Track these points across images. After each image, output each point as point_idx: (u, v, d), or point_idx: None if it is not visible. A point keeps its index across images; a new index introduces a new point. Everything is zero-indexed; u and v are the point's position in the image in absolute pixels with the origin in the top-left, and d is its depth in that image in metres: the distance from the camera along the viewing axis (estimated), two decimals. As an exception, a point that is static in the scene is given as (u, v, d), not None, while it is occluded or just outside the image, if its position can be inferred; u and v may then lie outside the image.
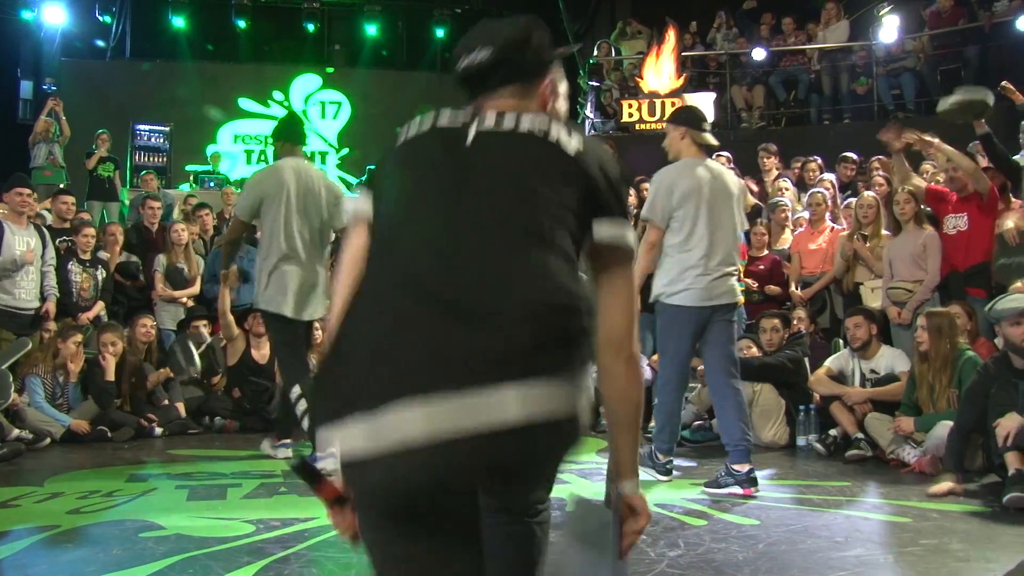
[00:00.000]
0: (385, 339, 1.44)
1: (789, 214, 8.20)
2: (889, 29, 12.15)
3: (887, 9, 12.73)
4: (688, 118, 5.07)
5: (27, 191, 6.89)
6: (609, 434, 1.68)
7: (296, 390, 5.28)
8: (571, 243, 1.57)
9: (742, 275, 7.49)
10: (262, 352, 7.49)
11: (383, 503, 1.47)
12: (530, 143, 1.61)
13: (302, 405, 5.22)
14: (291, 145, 5.71)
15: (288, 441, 5.72)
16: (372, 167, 1.76)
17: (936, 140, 6.58)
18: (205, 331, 7.71)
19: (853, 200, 7.45)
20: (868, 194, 7.22)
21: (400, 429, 1.37)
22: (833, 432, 5.90)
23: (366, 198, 1.70)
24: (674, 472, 5.02)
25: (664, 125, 5.15)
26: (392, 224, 1.60)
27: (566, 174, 1.59)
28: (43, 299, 6.99)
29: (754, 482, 4.60)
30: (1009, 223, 6.11)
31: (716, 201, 4.83)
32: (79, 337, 6.92)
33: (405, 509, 1.45)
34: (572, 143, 1.61)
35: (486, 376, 1.38)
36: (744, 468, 4.61)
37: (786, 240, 8.03)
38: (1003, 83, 7.22)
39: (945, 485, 4.54)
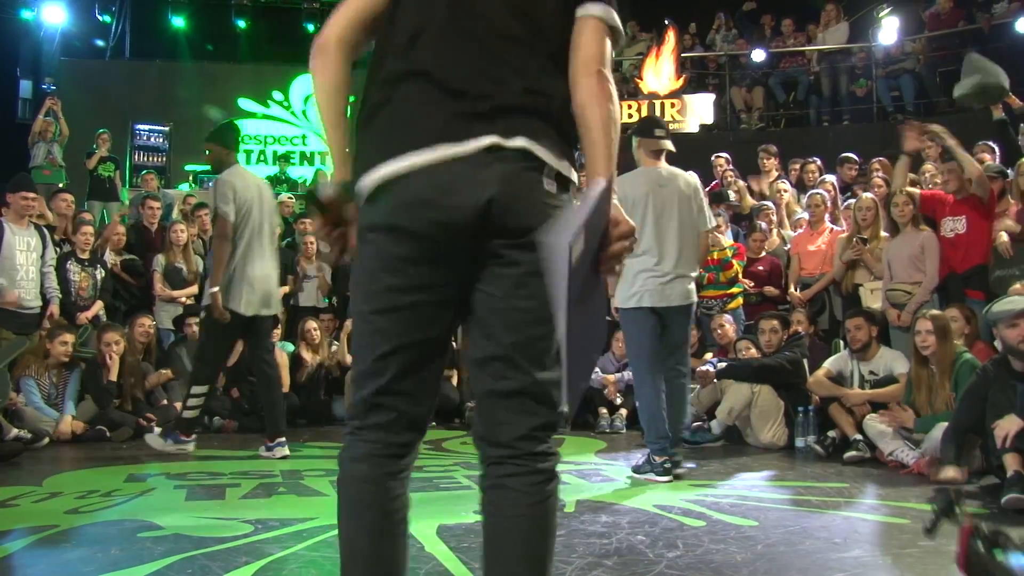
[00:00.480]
0: (403, 118, 1.80)
1: (773, 216, 8.24)
2: (888, 31, 12.16)
3: (887, 11, 12.74)
4: (640, 127, 5.36)
5: (32, 195, 6.92)
6: (584, 146, 1.85)
7: (203, 388, 5.80)
8: (559, 39, 1.86)
9: (740, 276, 7.52)
10: (261, 352, 7.50)
11: (389, 223, 1.77)
12: None
13: (198, 401, 5.83)
14: (229, 152, 6.01)
15: (282, 440, 5.79)
16: None
17: (953, 141, 6.59)
18: (199, 330, 7.70)
19: (852, 202, 7.46)
20: (866, 196, 7.23)
21: (405, 165, 1.74)
22: (832, 434, 5.90)
23: None
24: (674, 472, 5.03)
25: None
26: (409, 34, 1.84)
27: None
28: (45, 300, 6.98)
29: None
30: (1003, 234, 6.11)
31: (664, 207, 5.08)
32: (67, 337, 6.85)
33: (408, 235, 1.76)
34: None
35: (477, 132, 1.75)
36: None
37: (774, 242, 8.06)
38: None
39: (949, 472, 4.57)
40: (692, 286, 5.19)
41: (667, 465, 5.00)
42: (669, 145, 5.22)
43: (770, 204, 8.33)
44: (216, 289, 5.68)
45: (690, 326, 5.28)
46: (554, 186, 1.81)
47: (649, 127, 5.32)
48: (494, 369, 1.83)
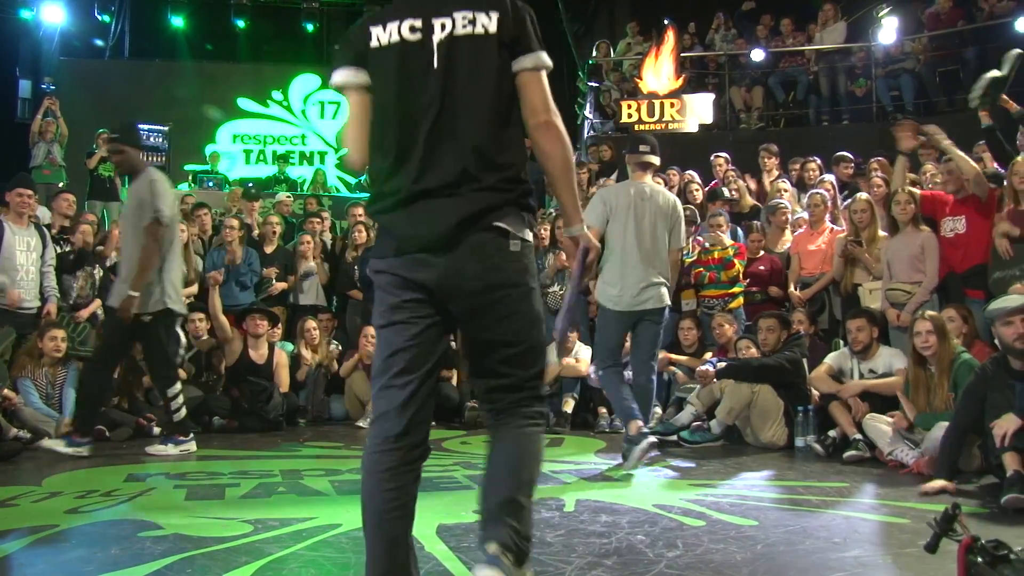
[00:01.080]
0: (398, 207, 2.38)
1: (789, 216, 8.18)
2: (888, 30, 12.15)
3: (886, 10, 12.72)
4: (630, 145, 5.96)
5: (28, 192, 6.90)
6: (555, 195, 2.54)
7: (176, 388, 6.06)
8: (511, 98, 2.41)
9: (741, 276, 7.52)
10: (260, 352, 7.50)
11: (391, 271, 2.40)
12: (472, 42, 2.38)
13: (179, 401, 6.02)
14: (140, 151, 6.15)
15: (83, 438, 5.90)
16: (347, 41, 2.54)
17: (948, 141, 6.58)
18: (202, 325, 7.71)
19: (849, 203, 7.44)
20: (861, 196, 7.20)
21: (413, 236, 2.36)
22: (832, 433, 5.89)
23: (357, 72, 2.47)
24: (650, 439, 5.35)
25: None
26: (394, 136, 2.41)
27: (497, 50, 2.38)
28: (43, 299, 6.97)
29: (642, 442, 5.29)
30: (1000, 234, 6.09)
31: (643, 219, 5.55)
32: (56, 332, 6.79)
33: (407, 287, 2.38)
34: (491, 23, 2.39)
35: (459, 218, 2.33)
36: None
37: (787, 242, 8.01)
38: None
39: (938, 483, 4.56)
40: (665, 291, 5.60)
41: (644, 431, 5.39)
42: (651, 159, 5.67)
43: (785, 203, 8.27)
44: (137, 293, 5.70)
45: (661, 328, 5.71)
46: (519, 245, 2.38)
47: (635, 144, 5.80)
48: (486, 373, 2.47)
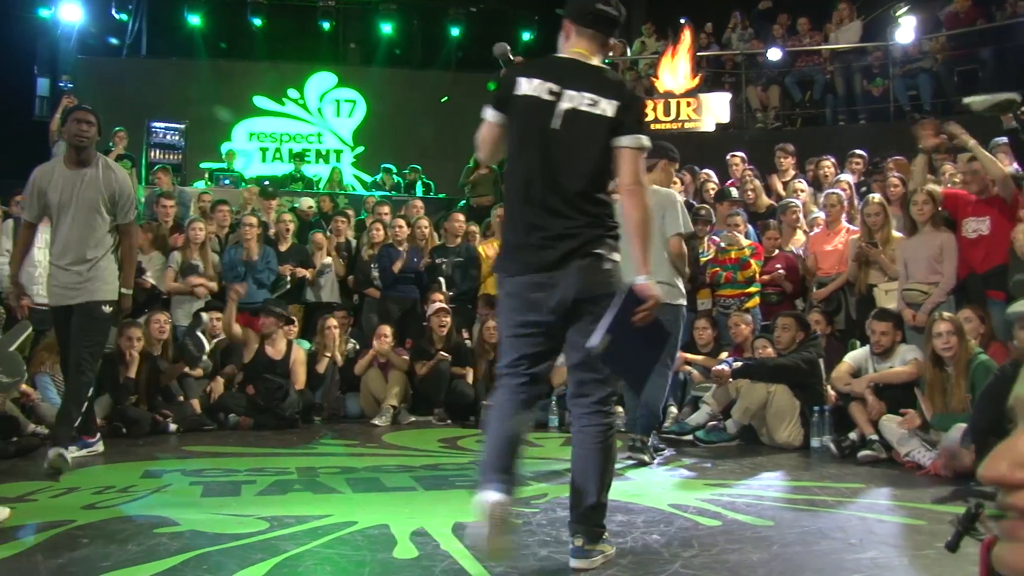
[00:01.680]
0: (521, 235, 3.11)
1: (800, 215, 8.14)
2: (906, 30, 12.08)
3: (904, 9, 12.65)
4: None
5: None
6: (629, 243, 3.12)
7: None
8: (608, 164, 3.07)
9: (758, 276, 7.49)
10: (276, 349, 7.50)
11: (516, 291, 3.11)
12: (590, 118, 3.04)
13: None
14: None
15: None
16: (497, 83, 3.31)
17: (973, 141, 6.51)
18: (219, 324, 7.72)
19: (861, 205, 7.40)
20: (874, 198, 7.14)
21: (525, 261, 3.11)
22: (852, 435, 5.84)
23: (497, 114, 3.15)
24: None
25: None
26: (519, 175, 3.12)
27: (607, 130, 3.04)
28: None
29: (653, 452, 5.60)
30: (1021, 236, 6.03)
31: None
32: None
33: (529, 297, 3.08)
34: (610, 109, 3.03)
35: (566, 250, 3.04)
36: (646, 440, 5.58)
37: (798, 241, 7.97)
38: None
39: (965, 458, 4.59)
40: (671, 289, 5.42)
41: (636, 444, 5.55)
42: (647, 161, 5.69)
43: (796, 202, 8.22)
44: (130, 291, 5.65)
45: (673, 324, 5.50)
46: (610, 264, 3.06)
47: None
48: (580, 368, 3.14)
